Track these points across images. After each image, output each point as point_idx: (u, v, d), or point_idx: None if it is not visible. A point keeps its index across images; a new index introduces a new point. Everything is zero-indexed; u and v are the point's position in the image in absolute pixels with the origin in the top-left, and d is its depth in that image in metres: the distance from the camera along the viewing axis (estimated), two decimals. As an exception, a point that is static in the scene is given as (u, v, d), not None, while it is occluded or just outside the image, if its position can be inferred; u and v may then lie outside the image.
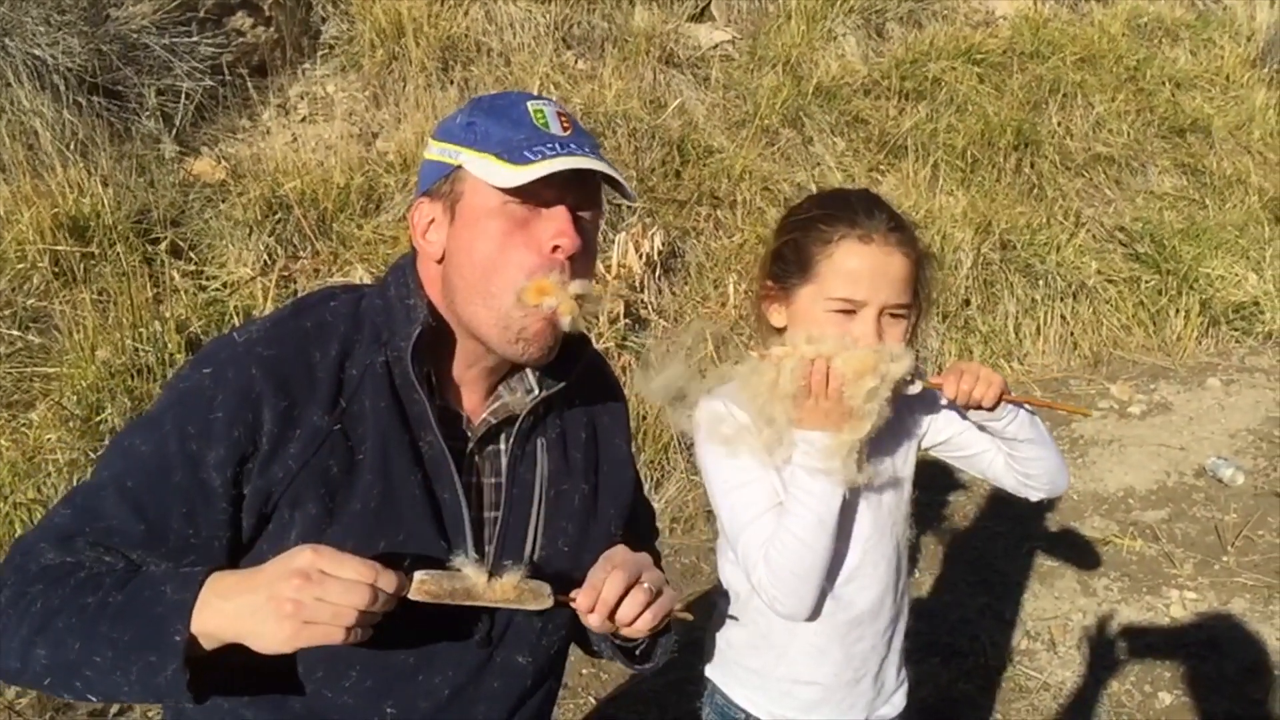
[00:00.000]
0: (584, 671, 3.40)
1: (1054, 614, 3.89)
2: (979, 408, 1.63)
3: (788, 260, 1.67)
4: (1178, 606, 3.95)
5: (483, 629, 1.37)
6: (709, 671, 1.90)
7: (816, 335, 1.56)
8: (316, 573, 1.08)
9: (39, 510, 3.34)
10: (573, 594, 1.31)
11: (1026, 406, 1.69)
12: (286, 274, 4.45)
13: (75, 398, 3.62)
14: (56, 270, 4.02)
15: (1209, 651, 3.67)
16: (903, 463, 1.78)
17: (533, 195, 1.29)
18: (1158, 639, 3.77)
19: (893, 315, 1.60)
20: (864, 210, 1.62)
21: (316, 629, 1.08)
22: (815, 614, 1.70)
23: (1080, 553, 4.30)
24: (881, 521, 1.73)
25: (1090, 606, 3.95)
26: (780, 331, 1.70)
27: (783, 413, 1.56)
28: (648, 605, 1.32)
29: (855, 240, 1.59)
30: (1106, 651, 3.68)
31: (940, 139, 6.55)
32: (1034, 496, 1.81)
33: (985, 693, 3.47)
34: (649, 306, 4.99)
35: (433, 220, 1.36)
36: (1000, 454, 1.78)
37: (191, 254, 4.36)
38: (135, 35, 4.75)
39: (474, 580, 1.23)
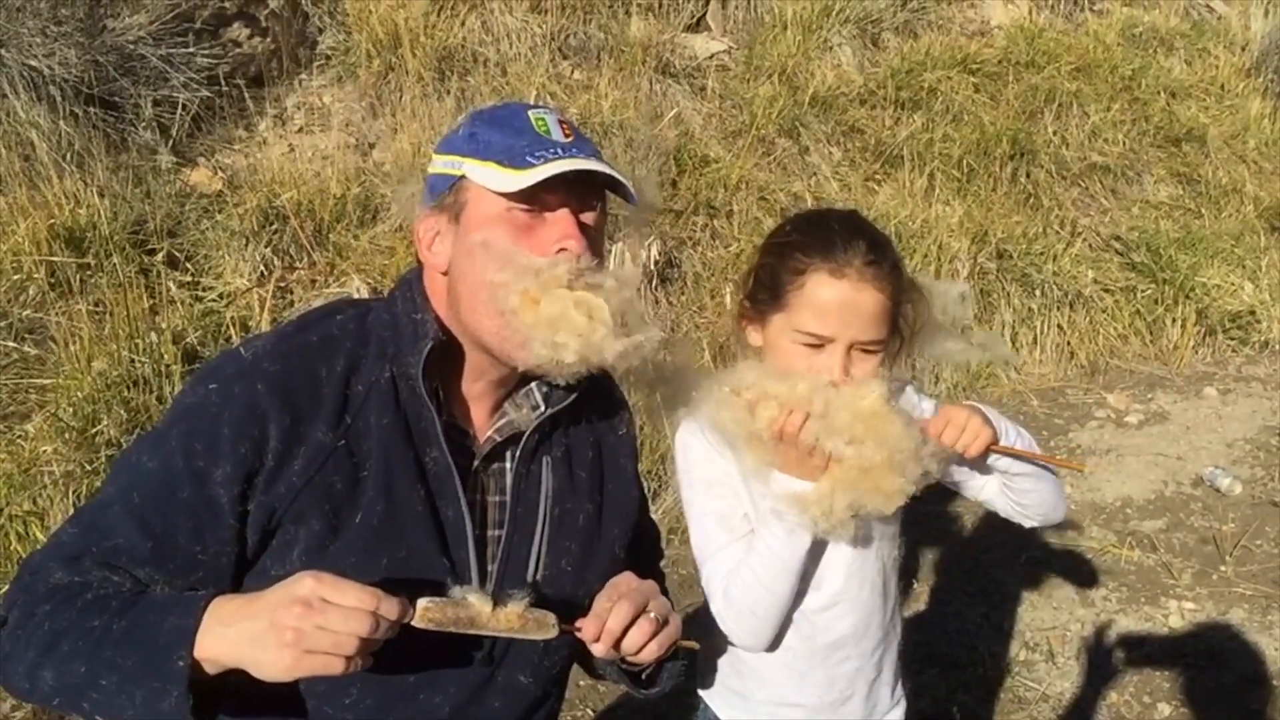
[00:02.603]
0: (582, 684, 3.39)
1: (1052, 625, 3.89)
2: (961, 456, 1.58)
3: (763, 284, 1.63)
4: (1176, 617, 3.94)
5: (484, 648, 1.37)
6: (700, 689, 1.88)
7: (789, 376, 1.52)
8: (318, 600, 1.07)
9: (34, 523, 3.33)
10: (578, 623, 1.30)
11: (1020, 457, 1.62)
12: (283, 285, 4.44)
13: (71, 409, 3.60)
14: (52, 281, 4.01)
15: (1207, 662, 3.67)
16: None
17: (536, 200, 1.29)
18: (1156, 649, 3.77)
19: (863, 350, 1.55)
20: (841, 239, 1.55)
21: (316, 658, 1.07)
22: (775, 645, 1.68)
23: (1078, 563, 4.30)
24: (867, 545, 1.70)
25: (1088, 617, 3.94)
26: (758, 351, 1.67)
27: (754, 455, 1.54)
28: (654, 635, 1.31)
29: (826, 274, 1.53)
30: (1105, 662, 3.68)
31: (936, 148, 6.55)
32: (1028, 524, 1.76)
33: (984, 704, 3.46)
34: (646, 317, 4.98)
35: (438, 233, 1.36)
36: (995, 481, 1.74)
37: (188, 265, 4.35)
38: (132, 46, 4.74)
39: (478, 609, 1.22)
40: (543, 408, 1.42)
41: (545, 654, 1.42)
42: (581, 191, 1.32)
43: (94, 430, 3.57)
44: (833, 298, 1.53)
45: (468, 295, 1.31)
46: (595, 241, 1.35)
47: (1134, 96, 7.84)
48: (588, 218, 1.34)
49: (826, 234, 1.58)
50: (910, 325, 1.65)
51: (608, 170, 1.31)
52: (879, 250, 1.57)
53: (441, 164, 1.36)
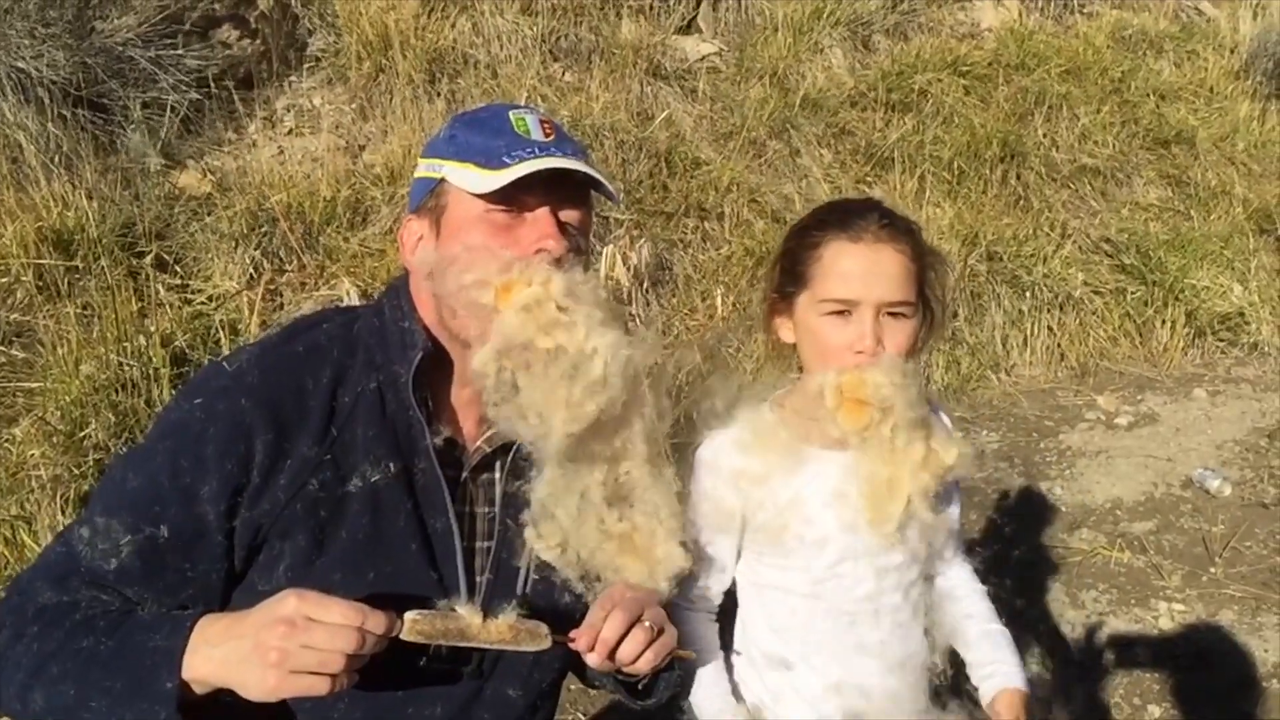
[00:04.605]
0: (572, 688, 3.38)
1: (1042, 626, 3.89)
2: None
3: (786, 271, 1.63)
4: (1166, 618, 3.94)
5: (473, 662, 1.35)
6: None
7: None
8: (302, 619, 1.06)
9: (22, 527, 3.31)
10: (571, 634, 1.27)
11: None
12: (273, 287, 4.42)
13: (59, 413, 3.58)
14: (40, 284, 3.99)
15: (1197, 664, 3.67)
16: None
17: (514, 201, 1.27)
18: (1146, 651, 3.77)
19: (892, 314, 1.52)
20: (856, 211, 1.56)
21: (301, 679, 1.06)
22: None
23: (1068, 565, 4.30)
24: (884, 578, 1.65)
25: (1078, 618, 3.94)
26: (789, 348, 1.65)
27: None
28: (649, 644, 1.29)
29: (844, 240, 1.53)
30: (1094, 664, 3.68)
31: (927, 150, 6.56)
32: None
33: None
34: (637, 319, 4.98)
35: (420, 237, 1.35)
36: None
37: (177, 267, 4.33)
38: (120, 48, 4.72)
39: (468, 620, 1.20)
40: None
41: (535, 667, 1.41)
42: (563, 191, 1.30)
43: (82, 434, 3.55)
44: (853, 262, 1.52)
45: (448, 299, 1.30)
46: (577, 241, 1.33)
47: (1123, 99, 7.86)
48: (569, 217, 1.32)
49: (841, 210, 1.60)
50: (937, 296, 1.63)
51: (585, 169, 1.29)
52: (893, 216, 1.58)
53: (424, 167, 1.35)
